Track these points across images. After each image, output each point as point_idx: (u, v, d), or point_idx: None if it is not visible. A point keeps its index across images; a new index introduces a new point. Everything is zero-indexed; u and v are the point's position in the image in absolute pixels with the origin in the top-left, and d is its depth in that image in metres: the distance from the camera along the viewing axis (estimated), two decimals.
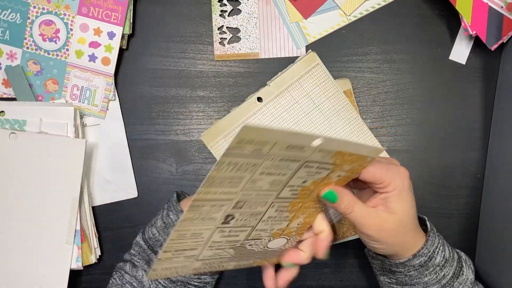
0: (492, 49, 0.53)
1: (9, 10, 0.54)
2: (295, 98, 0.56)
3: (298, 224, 0.45)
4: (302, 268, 0.57)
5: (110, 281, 0.49)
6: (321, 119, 0.56)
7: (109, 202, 0.56)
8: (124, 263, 0.50)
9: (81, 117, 0.56)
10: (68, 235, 0.53)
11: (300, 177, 0.40)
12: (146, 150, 0.57)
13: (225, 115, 0.56)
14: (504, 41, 0.53)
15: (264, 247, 0.46)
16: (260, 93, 0.56)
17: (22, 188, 0.52)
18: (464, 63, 0.57)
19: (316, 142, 0.37)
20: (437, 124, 0.57)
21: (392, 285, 0.48)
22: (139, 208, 0.57)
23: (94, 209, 0.56)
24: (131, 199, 0.57)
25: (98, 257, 0.55)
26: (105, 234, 0.56)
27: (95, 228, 0.55)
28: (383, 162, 0.43)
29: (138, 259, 0.49)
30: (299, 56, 0.56)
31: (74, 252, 0.53)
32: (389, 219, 0.43)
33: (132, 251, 0.50)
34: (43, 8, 0.54)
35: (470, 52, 0.57)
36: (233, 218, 0.41)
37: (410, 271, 0.46)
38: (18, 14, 0.54)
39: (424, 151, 0.57)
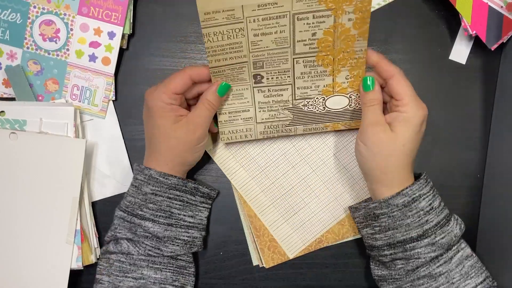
0: (492, 49, 0.53)
1: (9, 10, 0.54)
2: None
3: (347, 78, 0.50)
4: (302, 268, 0.57)
5: (97, 268, 0.50)
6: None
7: (109, 196, 0.56)
8: (106, 245, 0.50)
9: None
10: (68, 235, 0.53)
11: (304, 31, 0.46)
12: None
13: None
14: (504, 41, 0.53)
15: (324, 107, 0.51)
16: None
17: (22, 188, 0.52)
18: (464, 63, 0.57)
19: None
20: (437, 124, 0.57)
21: (375, 235, 0.49)
22: None
23: (94, 207, 0.56)
24: None
25: (98, 257, 0.55)
26: (105, 234, 0.56)
27: (95, 228, 0.55)
28: (413, 92, 0.47)
29: (120, 229, 0.49)
30: None
31: (74, 252, 0.53)
32: (387, 137, 0.46)
33: (112, 226, 0.50)
34: (43, 8, 0.54)
35: (470, 52, 0.57)
36: (262, 77, 0.50)
37: (394, 211, 0.46)
38: (18, 14, 0.54)
39: (424, 151, 0.57)
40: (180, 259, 0.51)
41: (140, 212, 0.49)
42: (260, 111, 0.52)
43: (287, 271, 0.57)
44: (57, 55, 0.55)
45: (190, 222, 0.51)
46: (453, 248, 0.47)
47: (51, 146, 0.53)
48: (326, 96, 0.51)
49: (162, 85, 0.48)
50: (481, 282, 0.47)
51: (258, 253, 0.56)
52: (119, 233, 0.49)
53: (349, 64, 0.49)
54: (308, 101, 0.51)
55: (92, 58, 0.55)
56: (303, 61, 0.49)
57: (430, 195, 0.47)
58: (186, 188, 0.51)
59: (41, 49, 0.55)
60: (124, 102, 0.57)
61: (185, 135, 0.48)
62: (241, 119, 0.52)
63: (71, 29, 0.54)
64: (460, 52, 0.57)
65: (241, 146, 0.56)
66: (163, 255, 0.49)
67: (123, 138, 0.57)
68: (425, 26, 0.57)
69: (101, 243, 0.56)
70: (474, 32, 0.53)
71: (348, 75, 0.50)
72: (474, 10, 0.53)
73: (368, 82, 0.48)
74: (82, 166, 0.53)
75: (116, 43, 0.55)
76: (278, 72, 0.49)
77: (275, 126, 0.53)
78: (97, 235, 0.55)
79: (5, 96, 0.55)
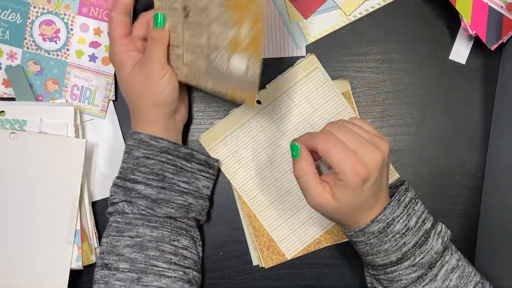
0: (492, 49, 0.53)
1: (9, 10, 0.54)
2: (293, 101, 0.56)
3: (246, 37, 0.43)
4: (302, 268, 0.57)
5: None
6: (320, 122, 0.56)
7: (109, 196, 0.56)
8: (107, 210, 0.51)
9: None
10: (68, 235, 0.53)
11: None
12: None
13: (224, 115, 0.56)
14: (504, 41, 0.53)
15: (227, 67, 0.45)
16: (259, 96, 0.56)
17: (22, 188, 0.52)
18: (464, 63, 0.57)
19: None
20: (437, 124, 0.57)
21: (359, 252, 0.49)
22: None
23: (94, 206, 0.56)
24: None
25: (98, 257, 0.55)
26: None
27: (95, 227, 0.55)
28: (344, 155, 0.42)
29: (115, 195, 0.50)
30: (298, 58, 0.56)
31: (74, 252, 0.53)
32: (329, 202, 0.44)
33: (110, 196, 0.51)
34: (43, 8, 0.54)
35: (470, 52, 0.57)
36: (190, 11, 0.46)
37: (371, 239, 0.46)
38: (18, 14, 0.54)
39: (424, 151, 0.57)
40: (179, 221, 0.51)
41: (132, 176, 0.49)
42: (186, 52, 0.48)
43: (287, 271, 0.57)
44: (57, 55, 0.55)
45: (184, 188, 0.51)
46: (437, 264, 0.46)
47: (51, 146, 0.53)
48: (231, 52, 0.44)
49: (109, 41, 0.50)
50: None
51: (258, 253, 0.56)
52: (114, 198, 0.50)
53: (248, 18, 0.41)
54: (218, 53, 0.45)
55: (92, 58, 0.55)
56: (216, 1, 0.43)
57: (404, 215, 0.46)
58: (179, 153, 0.50)
59: (41, 49, 0.55)
60: (124, 102, 0.56)
61: (144, 75, 0.48)
62: (174, 54, 0.50)
63: (71, 29, 0.54)
64: (460, 52, 0.57)
65: (241, 146, 0.56)
66: (157, 216, 0.49)
67: (123, 138, 0.57)
68: (425, 26, 0.57)
69: (101, 243, 0.56)
70: (474, 32, 0.53)
71: (247, 33, 0.42)
72: (474, 10, 0.53)
73: (293, 151, 0.46)
74: (82, 166, 0.53)
75: None
76: (200, 8, 0.45)
77: (194, 73, 0.49)
78: (97, 235, 0.55)
79: (5, 96, 0.55)
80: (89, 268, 0.55)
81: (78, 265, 0.53)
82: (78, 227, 0.53)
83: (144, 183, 0.49)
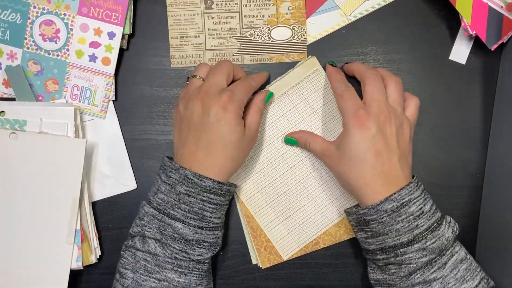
0: (492, 49, 0.53)
1: (9, 10, 0.54)
2: (293, 103, 0.56)
3: (289, 9, 0.54)
4: (302, 268, 0.57)
5: (122, 260, 0.49)
6: (318, 124, 0.56)
7: (109, 196, 0.56)
8: (132, 240, 0.49)
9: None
10: (68, 235, 0.53)
11: None
12: (146, 150, 0.57)
13: None
14: (504, 41, 0.53)
15: (269, 38, 0.54)
16: None
17: (22, 188, 0.52)
18: (464, 63, 0.57)
19: None
20: (437, 124, 0.57)
21: (368, 239, 0.49)
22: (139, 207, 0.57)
23: (94, 207, 0.56)
24: (131, 198, 0.57)
25: (98, 257, 0.55)
26: (105, 234, 0.56)
27: (95, 228, 0.55)
28: (357, 98, 0.49)
29: (149, 228, 0.48)
30: (299, 60, 0.56)
31: (74, 252, 0.53)
32: (331, 147, 0.51)
33: (141, 222, 0.49)
34: (43, 8, 0.54)
35: (470, 52, 0.57)
36: (212, 3, 0.54)
37: (383, 217, 0.46)
38: (18, 14, 0.54)
39: (424, 151, 0.57)
40: (206, 263, 0.50)
41: (172, 212, 0.48)
42: (209, 38, 0.55)
43: (287, 271, 0.57)
44: (57, 55, 0.55)
45: (217, 223, 0.50)
46: (447, 252, 0.47)
47: (51, 146, 0.53)
48: (271, 27, 0.54)
49: (238, 95, 0.48)
50: (476, 286, 0.47)
51: (256, 253, 0.56)
52: (148, 232, 0.48)
53: None
54: (255, 30, 0.55)
55: (92, 58, 0.55)
56: None
57: (421, 199, 0.47)
58: (221, 192, 0.49)
59: (41, 49, 0.55)
60: (124, 102, 0.57)
61: (248, 144, 0.50)
62: (191, 44, 0.55)
63: (71, 29, 0.54)
64: (460, 52, 0.57)
65: None
66: (190, 259, 0.48)
67: (123, 138, 0.57)
68: (425, 26, 0.57)
69: (101, 244, 0.56)
70: (474, 32, 0.53)
71: (290, 6, 0.54)
72: (474, 10, 0.53)
73: (292, 143, 0.55)
74: (82, 166, 0.53)
75: (116, 43, 0.55)
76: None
77: (223, 54, 0.56)
78: (97, 235, 0.55)
79: (5, 96, 0.55)
80: (89, 268, 0.55)
81: (78, 265, 0.53)
82: (78, 227, 0.53)
83: (183, 221, 0.47)
